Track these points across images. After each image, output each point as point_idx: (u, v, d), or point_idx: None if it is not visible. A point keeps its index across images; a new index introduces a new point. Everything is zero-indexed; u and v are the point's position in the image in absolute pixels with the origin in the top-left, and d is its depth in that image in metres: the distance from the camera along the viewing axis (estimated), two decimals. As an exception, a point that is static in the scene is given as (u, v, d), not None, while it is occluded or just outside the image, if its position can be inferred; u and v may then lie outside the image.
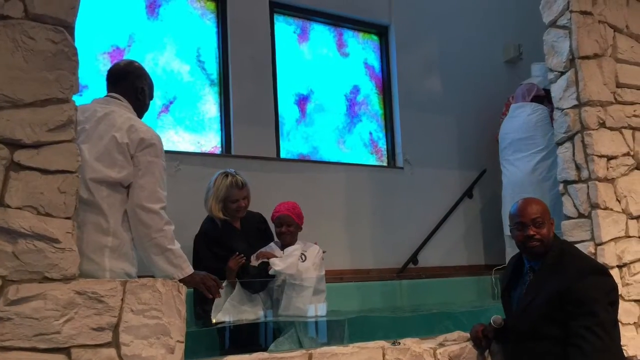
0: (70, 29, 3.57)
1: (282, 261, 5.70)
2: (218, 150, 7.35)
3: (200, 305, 5.47)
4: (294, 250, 5.86)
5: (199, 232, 5.94)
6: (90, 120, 4.21)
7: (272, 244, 6.05)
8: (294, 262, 5.73)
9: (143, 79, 4.63)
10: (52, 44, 3.47)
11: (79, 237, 3.65)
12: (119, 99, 4.45)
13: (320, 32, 8.45)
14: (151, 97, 4.74)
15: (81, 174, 3.69)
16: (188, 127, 7.23)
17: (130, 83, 4.54)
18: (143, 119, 4.55)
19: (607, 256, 5.56)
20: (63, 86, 3.47)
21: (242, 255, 5.63)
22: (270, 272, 5.64)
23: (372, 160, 8.56)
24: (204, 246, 5.82)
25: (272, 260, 5.70)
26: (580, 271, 4.30)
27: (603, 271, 4.42)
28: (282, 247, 5.96)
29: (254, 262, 5.76)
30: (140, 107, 4.62)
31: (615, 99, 5.97)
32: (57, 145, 3.43)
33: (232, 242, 5.82)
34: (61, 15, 3.52)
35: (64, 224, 3.39)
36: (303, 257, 5.83)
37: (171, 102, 7.17)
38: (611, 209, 5.70)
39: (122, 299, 3.52)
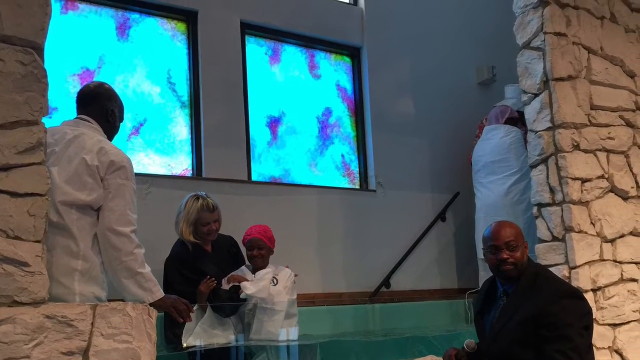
0: (39, 50, 3.53)
1: (254, 285, 5.67)
2: (189, 173, 7.31)
3: (170, 329, 5.46)
4: (266, 273, 5.84)
5: (169, 256, 5.89)
6: (60, 143, 4.19)
7: (243, 267, 6.03)
8: (266, 285, 5.69)
9: (113, 100, 4.61)
10: (21, 65, 3.42)
11: (48, 261, 3.62)
12: (89, 121, 4.43)
13: (292, 54, 8.44)
14: (121, 119, 4.73)
15: (51, 196, 3.64)
16: (158, 149, 7.18)
17: (100, 105, 4.52)
18: (113, 141, 4.53)
19: (582, 280, 5.57)
20: (32, 108, 3.43)
21: (213, 278, 5.61)
22: (242, 295, 5.62)
23: (344, 183, 8.52)
24: (174, 270, 5.78)
25: (244, 284, 5.67)
26: (554, 295, 4.28)
27: (577, 295, 4.40)
28: (254, 270, 5.93)
29: (225, 285, 5.74)
30: (110, 130, 4.60)
31: (590, 121, 6.00)
32: (26, 167, 3.39)
33: (203, 266, 5.79)
34: (30, 37, 3.48)
35: (33, 248, 3.34)
36: (274, 280, 5.81)
37: (141, 124, 7.12)
38: (585, 232, 5.72)
39: (92, 323, 3.47)
